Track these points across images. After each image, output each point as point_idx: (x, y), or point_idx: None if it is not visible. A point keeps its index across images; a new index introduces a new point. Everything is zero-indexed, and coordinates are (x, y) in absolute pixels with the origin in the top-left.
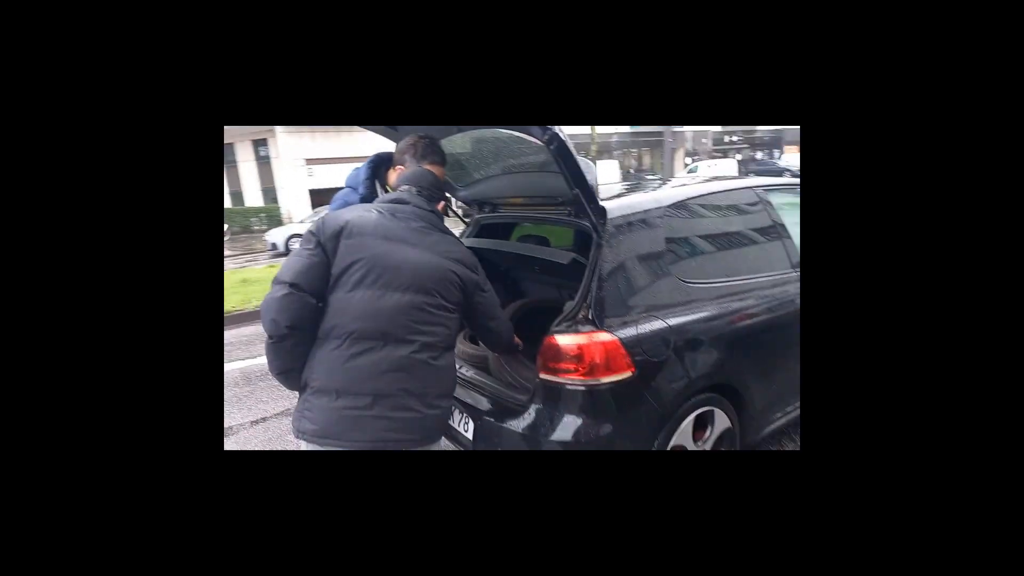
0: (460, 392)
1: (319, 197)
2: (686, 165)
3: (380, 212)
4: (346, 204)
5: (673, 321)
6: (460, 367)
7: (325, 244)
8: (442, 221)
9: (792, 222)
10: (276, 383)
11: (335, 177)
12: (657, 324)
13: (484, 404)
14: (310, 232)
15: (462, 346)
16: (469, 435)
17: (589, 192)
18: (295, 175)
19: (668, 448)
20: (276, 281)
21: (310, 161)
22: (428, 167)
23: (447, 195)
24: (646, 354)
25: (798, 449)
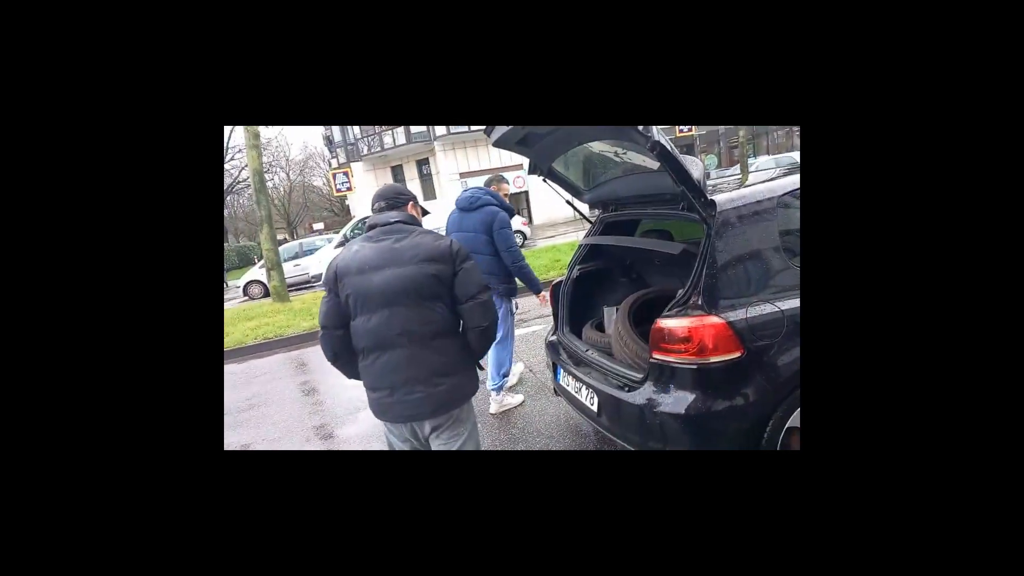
0: (585, 372)
1: None
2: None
3: (361, 244)
4: (455, 223)
5: (785, 305)
6: (587, 351)
7: (331, 288)
8: (414, 221)
9: None
10: None
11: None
12: (768, 308)
13: (606, 382)
14: (324, 281)
15: (589, 333)
16: (594, 408)
17: (695, 187)
18: (452, 188)
19: (786, 427)
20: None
21: (464, 175)
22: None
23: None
24: (756, 336)
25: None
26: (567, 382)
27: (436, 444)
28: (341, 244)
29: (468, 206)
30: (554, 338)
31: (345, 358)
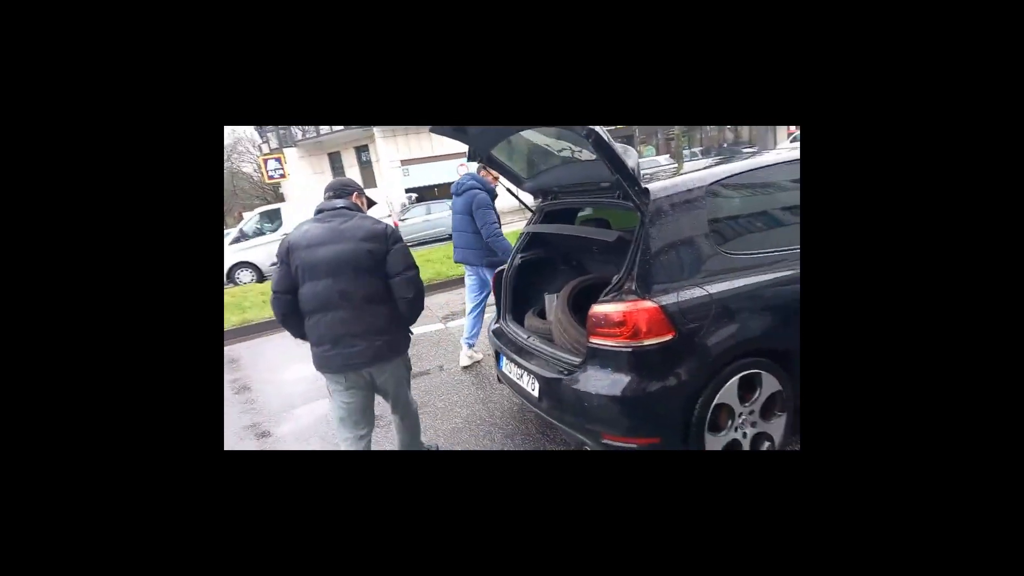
0: (527, 358)
1: (417, 194)
2: (789, 134)
3: (311, 223)
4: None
5: (714, 289)
6: (528, 338)
7: (283, 260)
8: (358, 208)
9: None
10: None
11: (429, 175)
12: (698, 292)
13: (547, 368)
14: (277, 253)
15: (531, 320)
16: (535, 393)
17: (629, 176)
18: (393, 176)
19: (714, 404)
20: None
21: (405, 162)
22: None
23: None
24: (687, 319)
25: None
26: (509, 369)
27: (380, 382)
28: (236, 240)
29: (457, 190)
30: (497, 326)
31: (293, 319)
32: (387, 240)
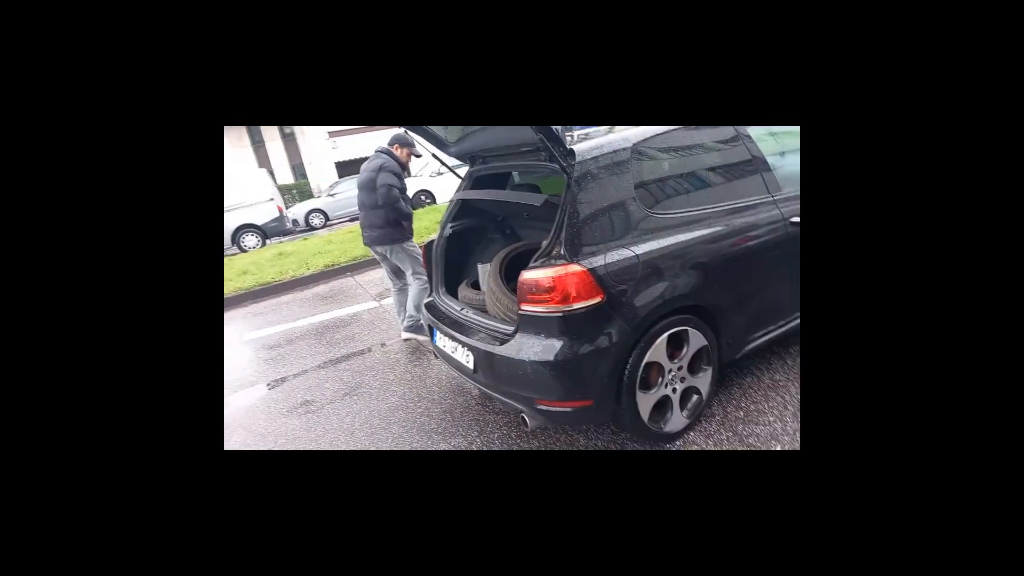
0: (461, 331)
1: (346, 168)
2: None
3: (366, 163)
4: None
5: (641, 250)
6: (462, 309)
7: None
8: (390, 154)
9: (772, 151)
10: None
11: (360, 148)
12: (625, 253)
13: (480, 338)
14: None
15: (464, 291)
16: (471, 365)
17: (553, 136)
18: (320, 149)
19: (644, 362)
20: None
21: (333, 134)
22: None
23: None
24: (615, 281)
25: (797, 448)
26: (444, 343)
27: (391, 258)
28: None
29: (366, 166)
30: (430, 300)
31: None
32: (378, 171)
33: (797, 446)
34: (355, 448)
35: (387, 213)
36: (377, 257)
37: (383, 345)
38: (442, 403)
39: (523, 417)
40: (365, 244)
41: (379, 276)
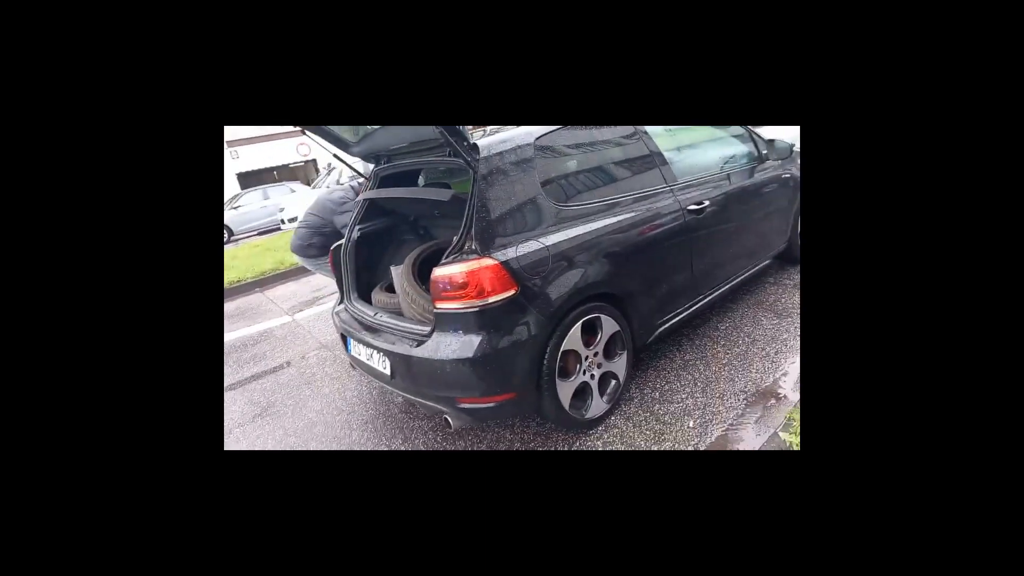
0: (376, 336)
1: (248, 180)
2: None
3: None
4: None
5: (550, 240)
6: (376, 315)
7: None
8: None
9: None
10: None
11: (265, 157)
12: (535, 245)
13: (396, 342)
14: None
15: (379, 295)
16: (387, 371)
17: (455, 131)
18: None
19: (561, 350)
20: None
21: (232, 143)
22: None
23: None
24: (528, 272)
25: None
26: (359, 351)
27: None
28: None
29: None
30: (341, 307)
31: None
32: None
33: (709, 420)
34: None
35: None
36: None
37: (303, 358)
38: (363, 414)
39: (446, 419)
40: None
41: (291, 290)
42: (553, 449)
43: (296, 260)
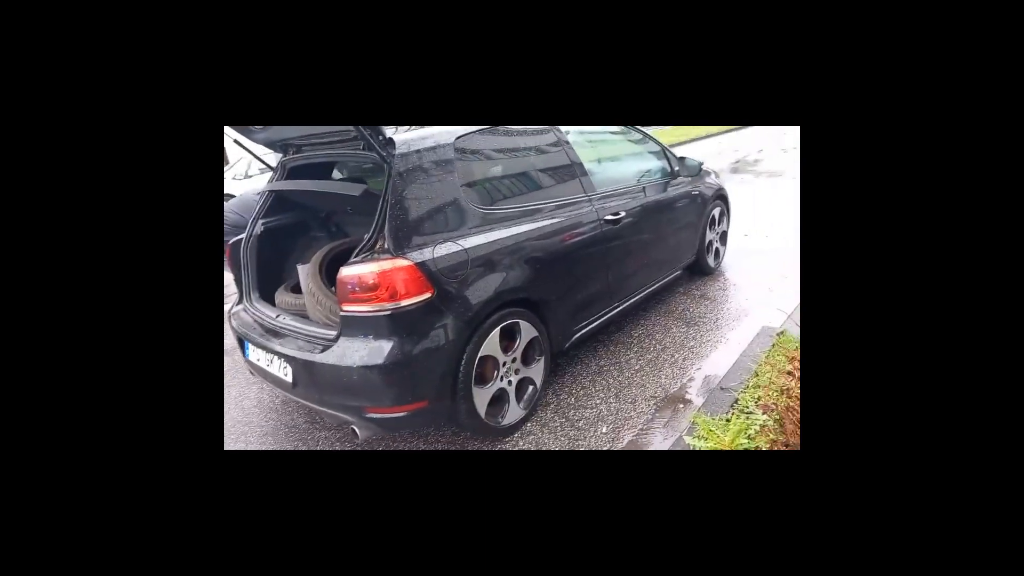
0: (277, 341)
1: None
2: None
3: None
4: None
5: (468, 243)
6: (278, 317)
7: None
8: None
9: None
10: None
11: None
12: (453, 247)
13: (299, 346)
14: None
15: (283, 296)
16: (289, 379)
17: (370, 125)
18: None
19: (479, 356)
20: None
21: None
22: None
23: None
24: (444, 275)
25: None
26: (257, 356)
27: None
28: None
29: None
30: (240, 308)
31: None
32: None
33: (620, 425)
34: None
35: None
36: None
37: None
38: (263, 426)
39: (353, 429)
40: None
41: None
42: (557, 450)
43: None
